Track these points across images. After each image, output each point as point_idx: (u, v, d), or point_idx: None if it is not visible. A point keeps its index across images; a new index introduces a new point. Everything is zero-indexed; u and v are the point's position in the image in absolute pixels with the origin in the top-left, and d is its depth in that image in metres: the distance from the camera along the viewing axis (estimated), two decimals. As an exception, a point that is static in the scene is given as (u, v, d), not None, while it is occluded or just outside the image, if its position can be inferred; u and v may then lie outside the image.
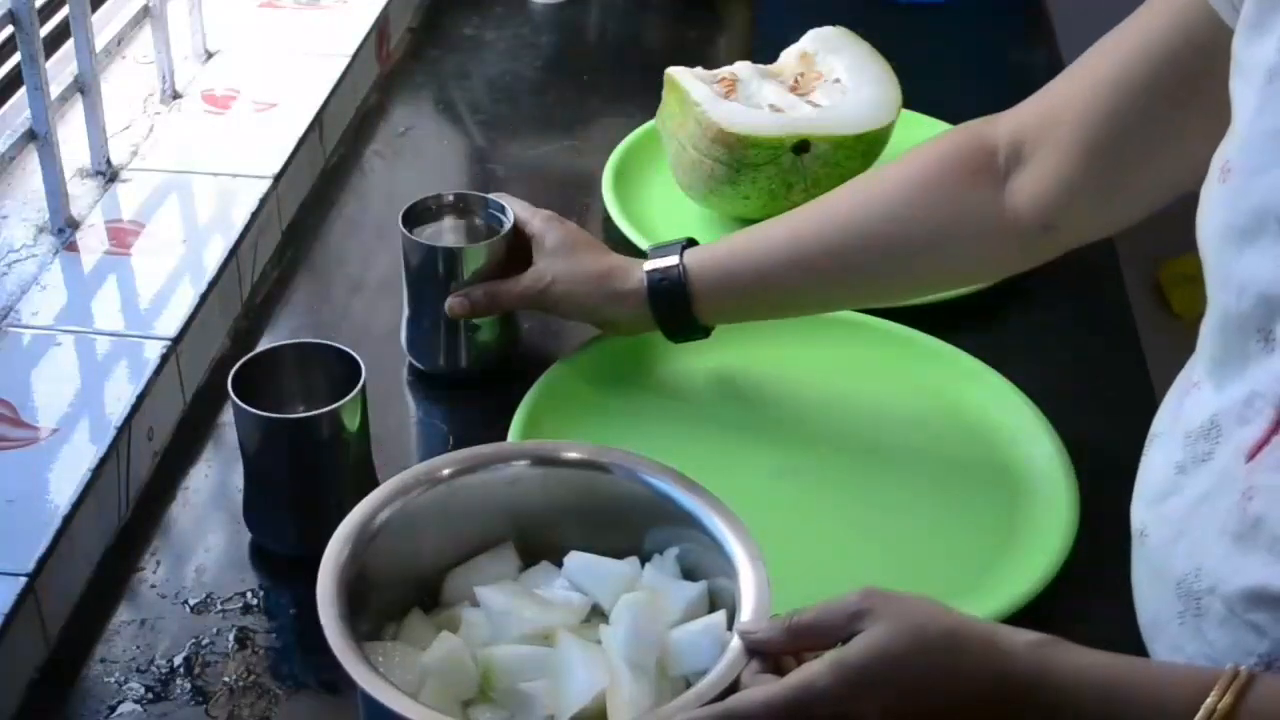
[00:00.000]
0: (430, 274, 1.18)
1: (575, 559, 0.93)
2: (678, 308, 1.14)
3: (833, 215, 1.13)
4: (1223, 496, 0.81)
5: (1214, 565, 0.81)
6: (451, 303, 1.16)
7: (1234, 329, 0.82)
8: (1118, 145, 1.00)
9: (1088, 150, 1.01)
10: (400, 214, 1.18)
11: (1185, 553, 0.83)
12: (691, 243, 1.17)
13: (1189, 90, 0.95)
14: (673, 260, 1.14)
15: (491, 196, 1.22)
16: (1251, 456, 0.79)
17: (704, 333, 1.17)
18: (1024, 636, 0.78)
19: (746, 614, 0.84)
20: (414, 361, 1.22)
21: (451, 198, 1.23)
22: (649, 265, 1.15)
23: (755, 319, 1.19)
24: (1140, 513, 0.90)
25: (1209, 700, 0.74)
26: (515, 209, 1.20)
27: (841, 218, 1.12)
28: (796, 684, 0.77)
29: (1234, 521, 0.79)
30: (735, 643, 0.83)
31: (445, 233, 1.23)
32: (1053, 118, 1.04)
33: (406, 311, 1.21)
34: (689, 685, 0.84)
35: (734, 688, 0.81)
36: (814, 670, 0.77)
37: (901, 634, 0.77)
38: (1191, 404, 0.87)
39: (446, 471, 0.94)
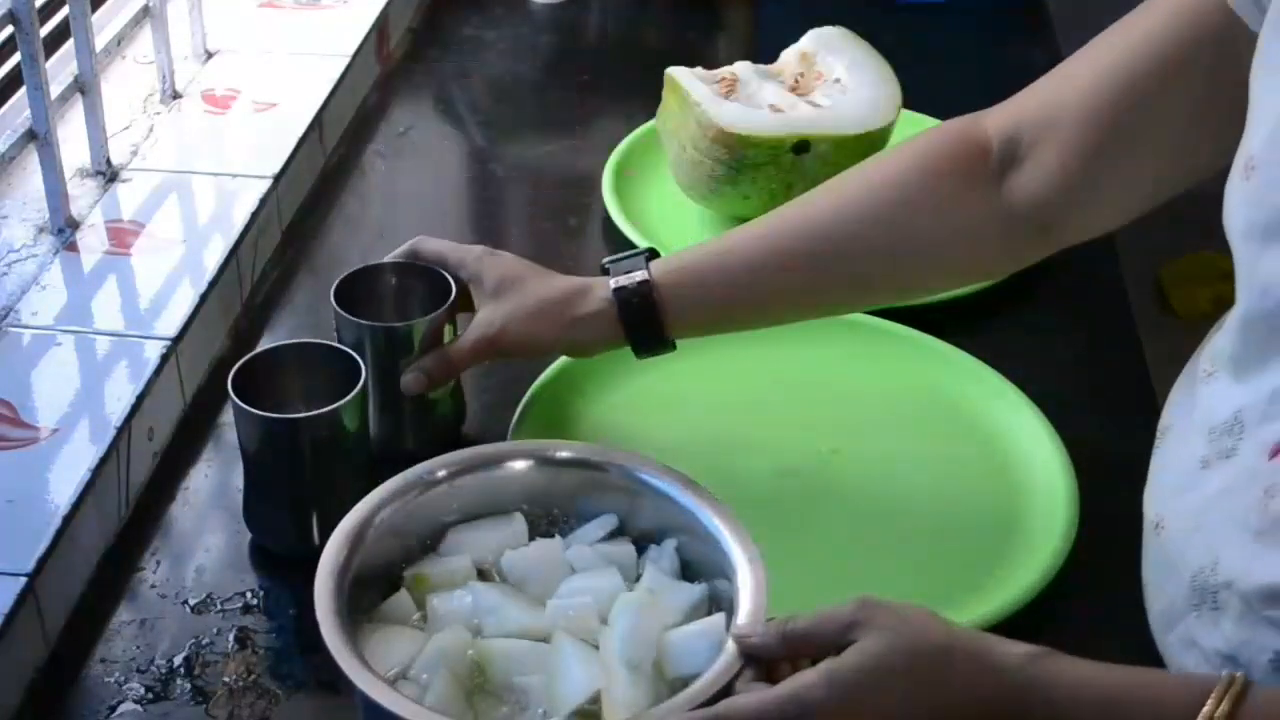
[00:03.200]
0: (379, 357, 1.08)
1: (572, 551, 0.93)
2: (649, 324, 1.06)
3: (813, 219, 1.05)
4: (1244, 492, 0.81)
5: (1232, 560, 0.81)
6: (406, 381, 1.07)
7: (1258, 327, 0.81)
8: (1121, 143, 0.96)
9: (1090, 148, 0.97)
10: (332, 291, 1.09)
11: (1203, 546, 0.83)
12: (653, 254, 1.09)
13: (1196, 87, 0.92)
14: (640, 275, 1.05)
15: (428, 262, 1.12)
16: (1275, 454, 0.79)
17: (670, 347, 1.08)
18: (1018, 649, 0.78)
19: (743, 616, 0.84)
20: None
21: (389, 266, 1.13)
22: (615, 282, 1.05)
23: (729, 330, 1.12)
24: (1156, 504, 0.90)
25: (1206, 708, 0.74)
26: (444, 252, 1.11)
27: (824, 221, 1.05)
28: (788, 693, 0.77)
29: (1255, 518, 0.79)
30: (730, 646, 0.83)
31: (383, 305, 1.13)
32: (1051, 115, 0.99)
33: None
34: (686, 687, 0.84)
35: (727, 691, 0.81)
36: (806, 680, 0.77)
37: (894, 647, 0.77)
38: (1212, 397, 0.86)
39: (446, 471, 0.94)
